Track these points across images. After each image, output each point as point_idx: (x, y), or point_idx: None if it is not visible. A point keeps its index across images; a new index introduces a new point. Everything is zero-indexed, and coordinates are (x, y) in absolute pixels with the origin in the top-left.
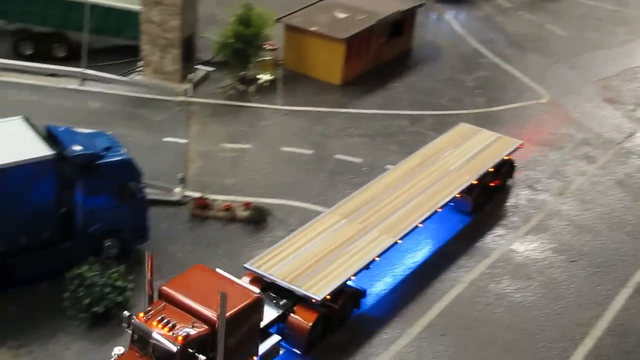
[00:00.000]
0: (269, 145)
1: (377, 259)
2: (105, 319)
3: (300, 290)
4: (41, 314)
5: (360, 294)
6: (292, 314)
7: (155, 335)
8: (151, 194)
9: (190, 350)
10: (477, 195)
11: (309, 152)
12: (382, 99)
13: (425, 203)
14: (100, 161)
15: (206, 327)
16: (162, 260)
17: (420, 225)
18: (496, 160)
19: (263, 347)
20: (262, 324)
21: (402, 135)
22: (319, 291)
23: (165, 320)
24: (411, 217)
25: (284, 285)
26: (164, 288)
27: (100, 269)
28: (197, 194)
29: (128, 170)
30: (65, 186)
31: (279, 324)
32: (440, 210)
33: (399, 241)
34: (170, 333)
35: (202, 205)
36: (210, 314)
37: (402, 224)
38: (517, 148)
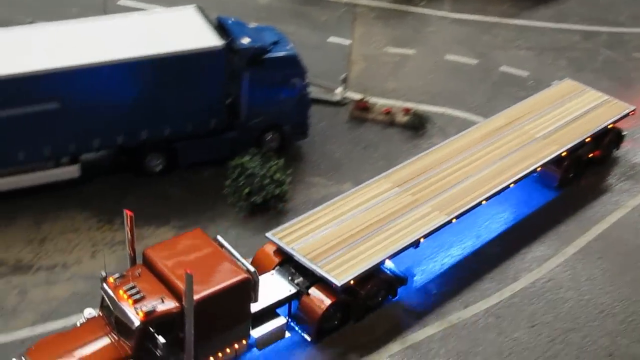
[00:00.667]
0: (433, 52)
1: (422, 240)
2: (262, 210)
3: (320, 271)
4: (203, 199)
5: (398, 281)
6: (306, 295)
7: (119, 305)
8: (313, 92)
9: (151, 330)
10: (567, 168)
11: (474, 62)
12: (554, 11)
13: (495, 176)
14: (267, 55)
15: (177, 304)
16: (320, 158)
17: (484, 202)
18: (596, 128)
19: (262, 330)
20: (271, 302)
21: (572, 51)
22: (342, 275)
23: (134, 290)
24: (474, 193)
25: (303, 263)
26: (148, 251)
27: (261, 160)
28: (357, 96)
29: (293, 65)
30: (232, 78)
31: (295, 302)
32: (512, 185)
33: (454, 220)
34: (135, 306)
35: (362, 107)
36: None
37: (460, 200)
38: (627, 114)
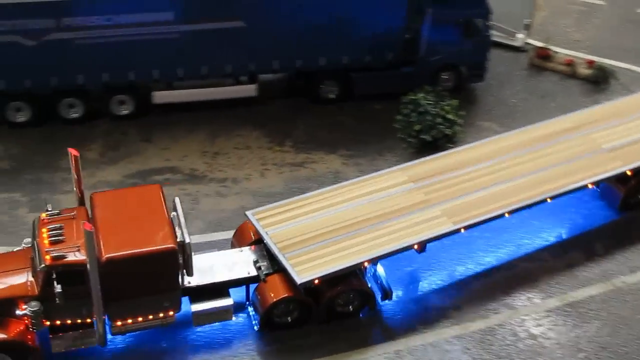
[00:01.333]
0: (624, 4)
1: (415, 247)
2: (431, 148)
3: (285, 262)
4: (373, 131)
5: (374, 294)
6: (262, 282)
7: (36, 242)
8: (494, 35)
9: (53, 276)
10: (632, 190)
11: None
12: None
13: (532, 187)
14: None
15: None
16: (494, 103)
17: (507, 215)
18: None
19: (202, 306)
20: (222, 279)
21: None
22: (306, 272)
23: (57, 232)
24: (498, 202)
25: (271, 250)
26: (94, 196)
27: (435, 99)
28: (539, 44)
29: (478, 5)
30: (415, 12)
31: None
32: (549, 200)
33: (462, 230)
34: (48, 248)
35: (543, 55)
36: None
37: (477, 209)
38: None
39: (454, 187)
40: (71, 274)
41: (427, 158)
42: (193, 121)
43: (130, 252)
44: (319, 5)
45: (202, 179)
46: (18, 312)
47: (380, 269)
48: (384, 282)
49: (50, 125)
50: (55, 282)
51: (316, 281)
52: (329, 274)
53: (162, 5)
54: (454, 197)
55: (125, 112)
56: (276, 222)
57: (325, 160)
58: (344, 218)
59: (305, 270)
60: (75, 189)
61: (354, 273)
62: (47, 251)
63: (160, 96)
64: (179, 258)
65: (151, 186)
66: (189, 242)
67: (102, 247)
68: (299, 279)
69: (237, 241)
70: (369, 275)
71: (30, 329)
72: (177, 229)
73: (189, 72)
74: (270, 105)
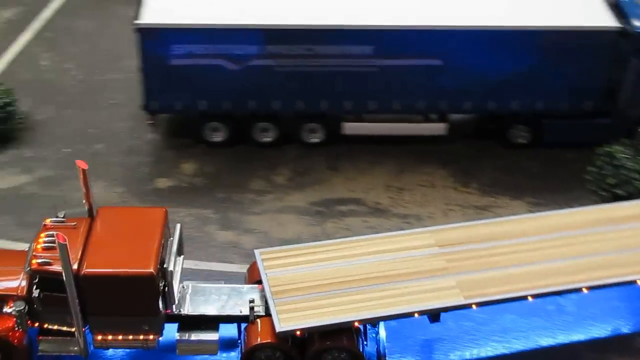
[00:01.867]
0: None
1: (416, 315)
2: None
3: (272, 308)
4: (562, 180)
5: (362, 358)
6: (251, 322)
7: (31, 245)
8: None
9: (34, 281)
10: None
11: None
12: None
13: (568, 273)
14: None
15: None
16: None
17: (531, 299)
18: None
19: (188, 335)
20: (212, 313)
21: None
22: (289, 321)
23: (52, 239)
24: (522, 283)
25: (266, 293)
26: (100, 210)
27: (632, 153)
28: None
29: None
30: (617, 61)
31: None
32: (585, 291)
33: (474, 307)
34: (38, 253)
35: None
36: (78, 262)
37: (497, 287)
38: None
39: (480, 259)
40: (51, 281)
41: (463, 224)
42: (379, 154)
43: (107, 270)
44: (517, 50)
45: (386, 213)
46: (6, 309)
47: (382, 332)
48: (381, 346)
49: (243, 147)
50: (34, 287)
51: (298, 332)
52: (312, 328)
53: (364, 40)
54: (476, 270)
55: (315, 140)
56: (280, 265)
57: (510, 206)
58: (350, 273)
59: (289, 319)
60: (84, 201)
61: (348, 332)
62: (35, 255)
63: (350, 127)
64: (157, 284)
65: (157, 209)
66: (171, 271)
67: (84, 261)
68: (279, 327)
69: (248, 277)
70: (371, 336)
71: (16, 328)
72: (167, 255)
73: (380, 106)
74: (457, 145)
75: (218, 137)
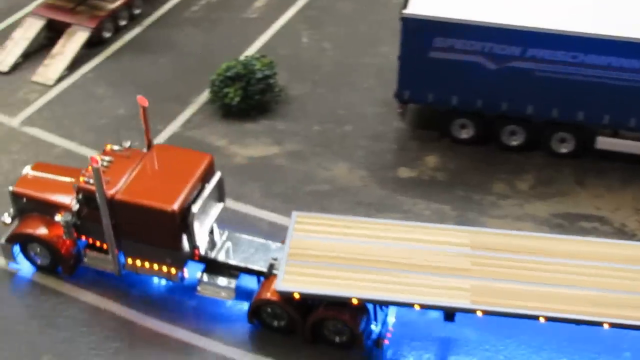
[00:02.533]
0: None
1: (417, 307)
2: None
3: (282, 267)
4: None
5: (359, 338)
6: (265, 278)
7: (90, 163)
8: None
9: (78, 196)
10: None
11: None
12: None
13: (589, 303)
14: None
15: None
16: None
17: (543, 320)
18: None
19: (210, 278)
20: (237, 263)
21: None
22: (291, 283)
23: (105, 162)
24: (538, 302)
25: (284, 252)
26: (155, 146)
27: None
28: None
29: None
30: None
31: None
32: (606, 327)
33: (479, 314)
34: (88, 172)
35: None
36: (116, 188)
37: (510, 299)
38: None
39: (505, 269)
40: (90, 199)
41: (505, 231)
42: (631, 173)
43: (136, 200)
44: None
45: (630, 237)
46: (57, 218)
47: (390, 318)
48: (383, 330)
49: (488, 147)
50: (76, 201)
51: (296, 295)
52: (309, 294)
53: (634, 53)
54: (495, 279)
55: (564, 150)
56: (309, 231)
57: None
58: (371, 252)
59: (292, 281)
60: (145, 137)
61: (354, 308)
62: (83, 174)
63: (604, 142)
64: (178, 221)
65: (203, 155)
66: (194, 212)
67: (122, 188)
68: (279, 286)
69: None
70: (380, 318)
71: (64, 236)
72: (198, 198)
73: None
74: None
75: (464, 134)
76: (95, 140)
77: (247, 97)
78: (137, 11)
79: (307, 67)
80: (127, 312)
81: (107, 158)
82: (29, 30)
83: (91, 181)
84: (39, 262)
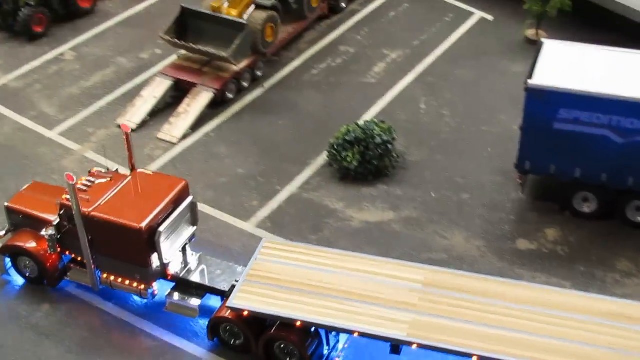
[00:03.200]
0: None
1: (356, 334)
2: None
3: (238, 286)
4: None
5: (308, 358)
6: (226, 297)
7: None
8: None
9: (60, 212)
10: None
11: None
12: None
13: (531, 349)
14: None
15: (85, 210)
16: None
17: (476, 359)
18: None
19: (176, 296)
20: (201, 282)
21: None
22: (243, 300)
23: (88, 183)
24: (474, 341)
25: (244, 273)
26: (135, 172)
27: None
28: None
29: None
30: None
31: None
32: None
33: (413, 346)
34: (69, 193)
35: None
36: (93, 206)
37: (447, 336)
38: None
39: (451, 308)
40: (68, 215)
41: (460, 272)
42: None
43: (108, 217)
44: None
45: None
46: (42, 232)
47: (341, 344)
48: (331, 354)
49: (612, 222)
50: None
51: (245, 312)
52: (257, 313)
53: None
54: (439, 315)
55: None
56: (273, 256)
57: None
58: (328, 281)
59: (244, 299)
60: (128, 162)
61: (304, 331)
62: (66, 191)
63: None
64: (144, 238)
65: (177, 179)
66: (160, 232)
67: (98, 206)
68: (230, 302)
69: None
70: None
71: (49, 251)
72: (167, 219)
73: None
74: None
75: (586, 208)
76: (215, 197)
77: (366, 162)
78: (259, 73)
79: (425, 133)
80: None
81: (91, 179)
82: (157, 89)
83: (74, 201)
84: (27, 274)
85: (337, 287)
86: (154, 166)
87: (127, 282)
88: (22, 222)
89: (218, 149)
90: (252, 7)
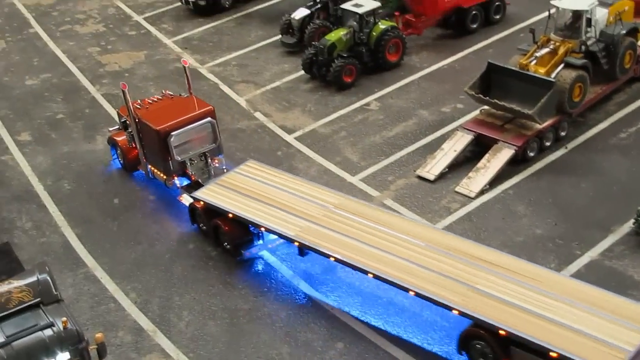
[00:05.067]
0: None
1: (262, 229)
2: None
3: (206, 185)
4: None
5: (237, 248)
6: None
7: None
8: None
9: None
10: None
11: None
12: None
13: (399, 270)
14: None
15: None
16: None
17: (349, 267)
18: None
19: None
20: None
21: None
22: (204, 194)
23: (151, 102)
24: (354, 254)
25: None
26: (188, 96)
27: None
28: None
29: None
30: None
31: None
32: (411, 294)
33: (295, 244)
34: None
35: None
36: (140, 112)
37: (332, 245)
38: None
39: (343, 225)
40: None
41: (366, 203)
42: None
43: (144, 119)
44: None
45: None
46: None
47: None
48: (262, 246)
49: None
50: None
51: (201, 203)
52: (207, 202)
53: None
54: (330, 228)
55: None
56: (246, 172)
57: None
58: (274, 195)
59: (205, 194)
60: (188, 90)
61: (239, 226)
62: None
63: None
64: (161, 138)
65: (206, 105)
66: (172, 134)
67: (143, 113)
68: (194, 193)
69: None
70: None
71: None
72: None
73: None
74: None
75: None
76: (511, 252)
77: None
78: (562, 133)
79: None
80: None
81: (154, 98)
82: (458, 143)
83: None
84: (120, 161)
85: (275, 199)
86: (450, 218)
87: (159, 172)
88: (125, 125)
89: (516, 207)
90: (561, 66)
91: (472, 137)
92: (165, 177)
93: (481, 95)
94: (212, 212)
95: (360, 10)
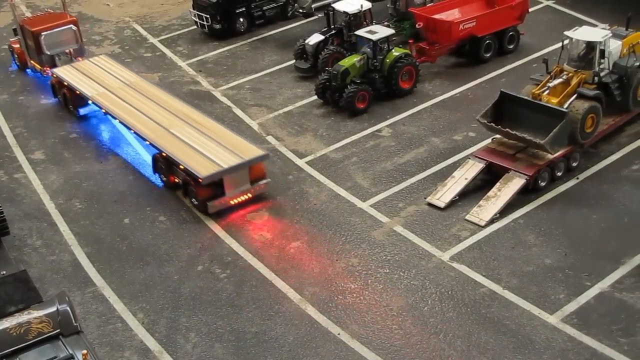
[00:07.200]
0: None
1: (76, 92)
2: None
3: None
4: None
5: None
6: None
7: None
8: None
9: None
10: None
11: None
12: None
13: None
14: None
15: None
16: None
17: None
18: None
19: None
20: None
21: None
22: (59, 71)
23: None
24: (125, 114)
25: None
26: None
27: None
28: None
29: None
30: None
31: None
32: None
33: (91, 102)
34: None
35: None
36: None
37: (115, 108)
38: None
39: (127, 95)
40: None
41: (160, 91)
42: None
43: (26, 26)
44: None
45: None
46: None
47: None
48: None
49: None
50: None
51: (54, 76)
52: (60, 77)
53: None
54: (114, 94)
55: None
56: (98, 62)
57: None
58: (107, 81)
59: (60, 70)
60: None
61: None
62: None
63: None
64: (36, 37)
65: (72, 16)
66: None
67: (30, 25)
68: (53, 69)
69: None
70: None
71: None
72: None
73: None
74: None
75: None
76: (519, 285)
77: None
78: (574, 164)
79: None
80: None
81: (39, 14)
82: (469, 171)
83: None
84: (16, 63)
85: (99, 78)
86: (460, 246)
87: (37, 64)
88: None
89: (526, 237)
90: (574, 96)
91: (484, 166)
92: (40, 67)
93: (493, 124)
94: (61, 84)
95: (374, 37)
